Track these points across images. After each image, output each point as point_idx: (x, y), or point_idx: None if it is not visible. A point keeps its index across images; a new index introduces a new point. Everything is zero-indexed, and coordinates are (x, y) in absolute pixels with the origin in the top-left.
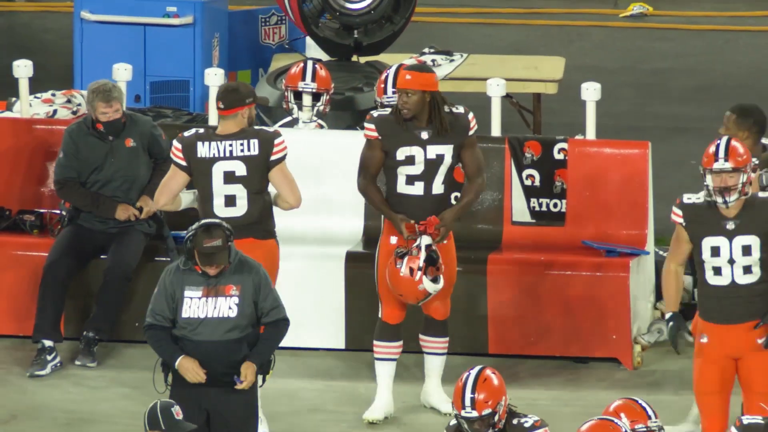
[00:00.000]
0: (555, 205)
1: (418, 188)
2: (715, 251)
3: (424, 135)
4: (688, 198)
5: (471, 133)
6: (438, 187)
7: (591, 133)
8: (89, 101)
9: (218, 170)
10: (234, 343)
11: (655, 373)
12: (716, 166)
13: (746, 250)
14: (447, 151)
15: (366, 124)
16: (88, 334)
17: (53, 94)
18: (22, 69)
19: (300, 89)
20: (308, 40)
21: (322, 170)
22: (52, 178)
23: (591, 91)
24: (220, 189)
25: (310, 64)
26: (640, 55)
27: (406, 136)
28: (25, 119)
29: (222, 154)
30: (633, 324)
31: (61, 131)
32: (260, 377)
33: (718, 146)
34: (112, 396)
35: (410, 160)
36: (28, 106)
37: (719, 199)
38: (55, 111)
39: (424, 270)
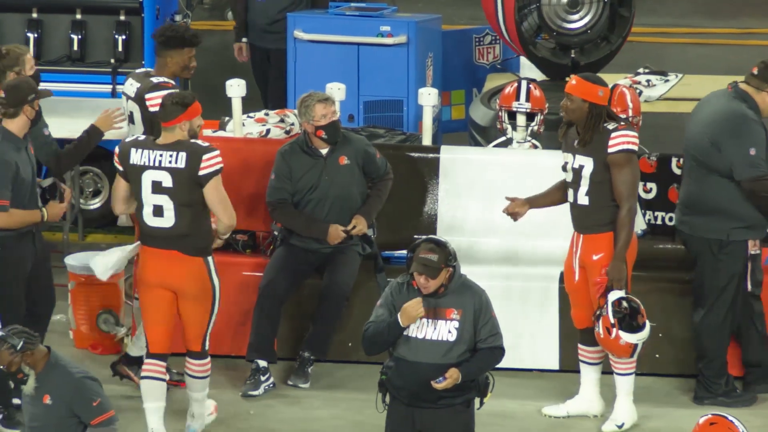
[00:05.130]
0: None
1: (570, 195)
2: None
3: (576, 143)
4: None
5: (611, 151)
6: (582, 198)
7: None
8: (304, 112)
9: (147, 179)
10: (451, 366)
11: None
12: None
13: None
14: (587, 162)
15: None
16: (304, 354)
17: (266, 114)
18: (235, 88)
19: (514, 109)
20: (522, 59)
21: (536, 190)
22: (265, 198)
23: None
24: (148, 198)
25: (524, 83)
26: None
27: (567, 142)
28: (238, 138)
29: (151, 163)
30: None
31: (275, 151)
32: (478, 399)
33: None
34: (324, 416)
35: (565, 167)
36: (241, 125)
37: None
38: (268, 130)
39: (617, 325)
